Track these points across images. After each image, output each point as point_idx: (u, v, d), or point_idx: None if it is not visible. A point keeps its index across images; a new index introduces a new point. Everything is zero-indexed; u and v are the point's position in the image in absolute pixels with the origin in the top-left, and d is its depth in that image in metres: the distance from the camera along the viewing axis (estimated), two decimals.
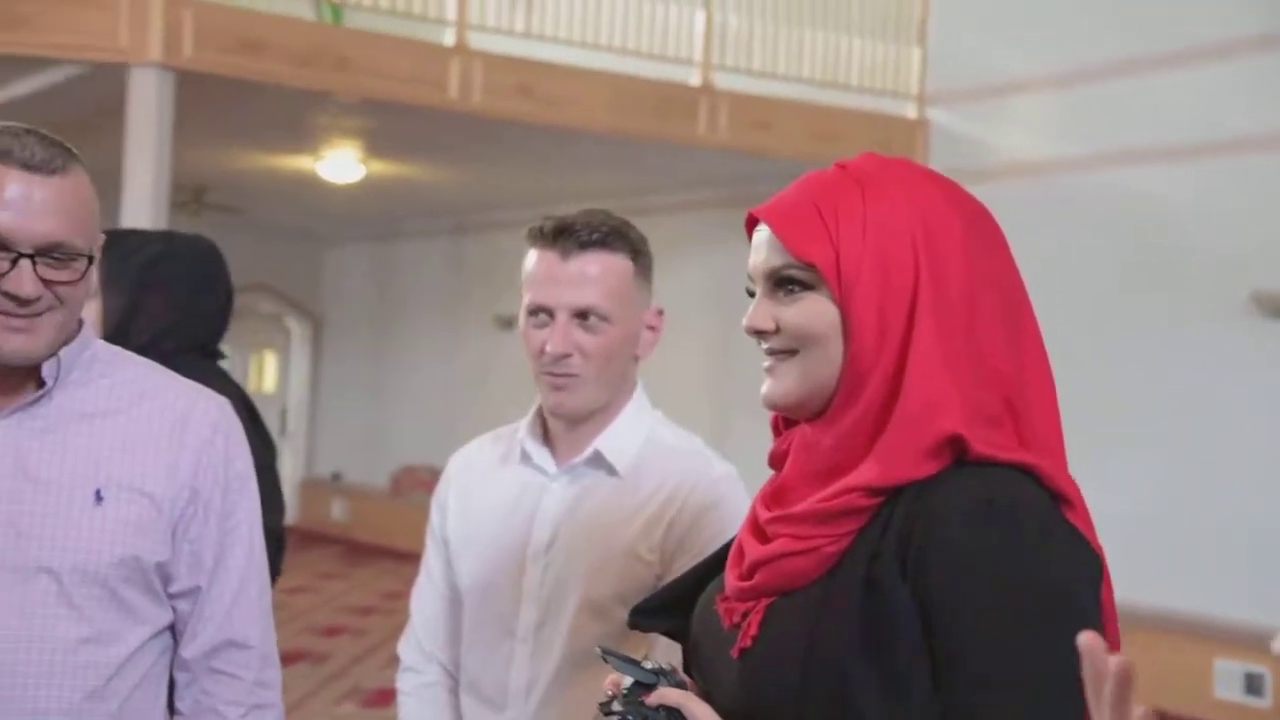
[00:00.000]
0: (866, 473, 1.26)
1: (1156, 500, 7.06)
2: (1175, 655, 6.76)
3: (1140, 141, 7.37)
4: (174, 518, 1.71)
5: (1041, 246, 7.30)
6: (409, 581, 2.37)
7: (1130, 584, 6.19)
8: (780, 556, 1.28)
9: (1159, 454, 7.12)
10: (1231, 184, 7.00)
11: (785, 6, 8.31)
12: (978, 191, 1.41)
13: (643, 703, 1.29)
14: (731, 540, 1.42)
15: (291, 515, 12.92)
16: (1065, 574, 1.22)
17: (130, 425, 1.71)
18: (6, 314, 1.59)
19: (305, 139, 8.64)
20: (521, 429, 2.09)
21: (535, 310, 1.98)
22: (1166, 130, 7.26)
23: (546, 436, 2.06)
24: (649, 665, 1.31)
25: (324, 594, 10.24)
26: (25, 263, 1.58)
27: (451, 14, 7.40)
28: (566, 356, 1.95)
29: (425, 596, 2.17)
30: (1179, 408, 7.09)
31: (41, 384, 1.67)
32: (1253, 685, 6.63)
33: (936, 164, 8.03)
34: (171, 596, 1.74)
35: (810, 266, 1.30)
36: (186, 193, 10.28)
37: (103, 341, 1.80)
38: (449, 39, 7.39)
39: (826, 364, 1.31)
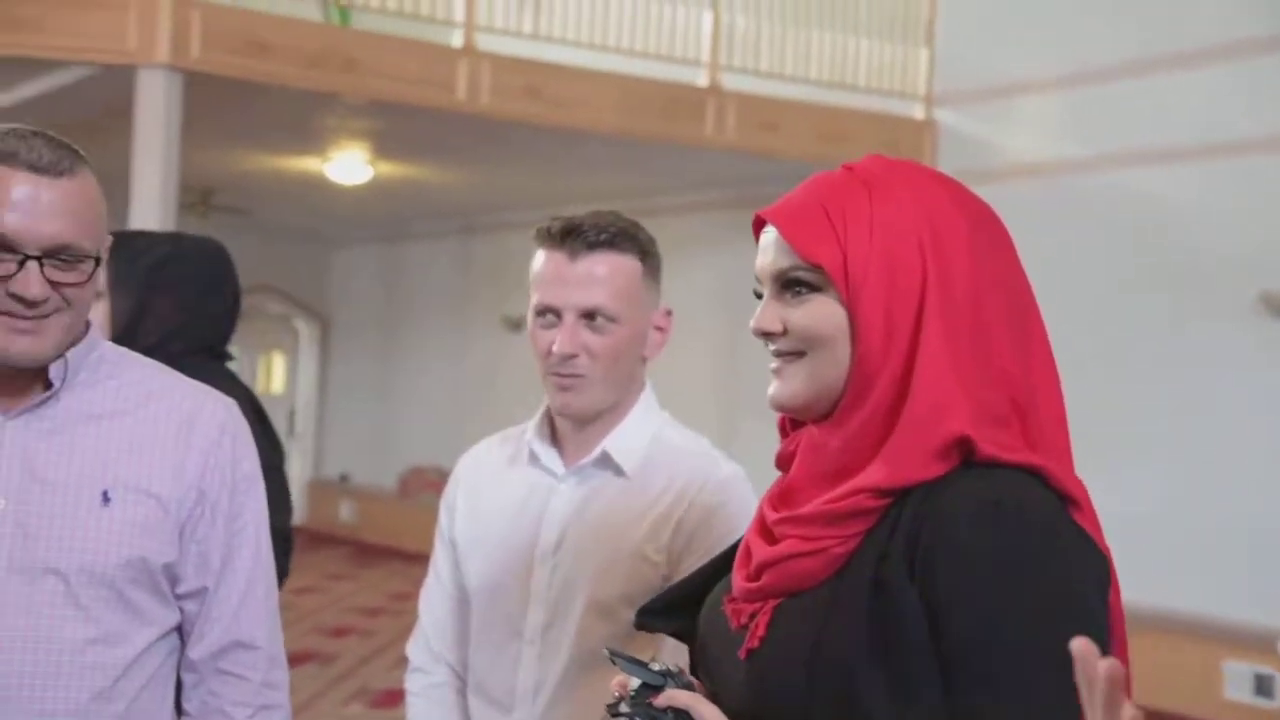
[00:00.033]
0: (874, 474, 1.26)
1: (1166, 501, 7.05)
2: (1184, 657, 6.75)
3: (1146, 143, 7.36)
4: (181, 519, 1.71)
5: (1048, 247, 7.30)
6: (417, 582, 2.37)
7: (1140, 585, 6.19)
8: (788, 558, 1.29)
9: (1166, 455, 7.11)
10: (1237, 185, 6.99)
11: (793, 7, 8.31)
12: (984, 192, 1.41)
13: (650, 704, 1.29)
14: (738, 541, 1.42)
15: (300, 516, 12.98)
16: (1073, 575, 1.22)
17: (137, 426, 1.71)
18: (13, 316, 1.59)
19: (313, 140, 8.65)
20: (529, 430, 2.09)
21: (543, 311, 1.98)
22: (1172, 131, 7.25)
23: (554, 437, 2.06)
24: (656, 667, 1.31)
25: (332, 595, 10.25)
26: (32, 265, 1.58)
27: (459, 15, 7.41)
28: (573, 357, 1.95)
29: (434, 597, 2.17)
30: (1185, 408, 7.08)
31: (49, 385, 1.67)
32: (1262, 686, 6.62)
33: (944, 165, 8.04)
34: (179, 597, 1.74)
35: (817, 268, 1.31)
36: (194, 194, 10.30)
37: (110, 343, 1.80)
38: (457, 40, 7.40)
39: (834, 365, 1.31)
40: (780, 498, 1.35)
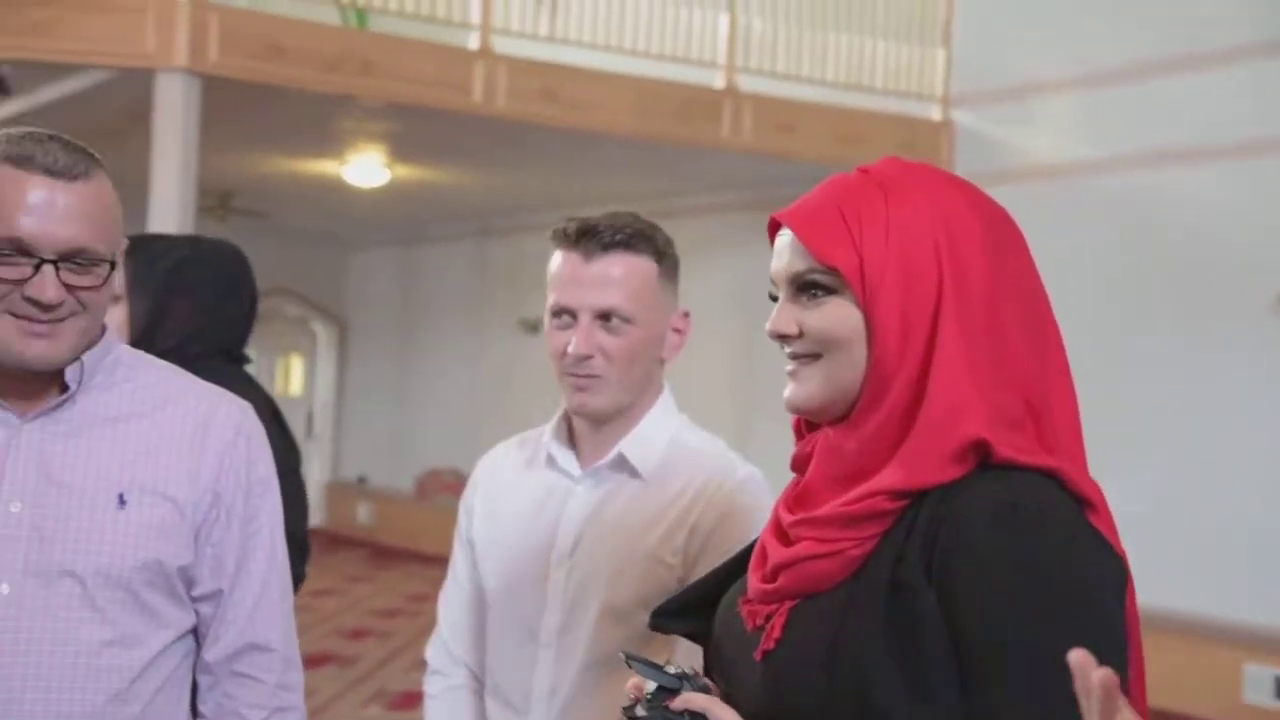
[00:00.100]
0: (890, 476, 1.26)
1: (1187, 504, 7.02)
2: (1204, 660, 6.73)
3: (1163, 143, 7.34)
4: (196, 521, 1.72)
5: (1064, 247, 7.29)
6: (434, 584, 2.37)
7: (1159, 588, 6.18)
8: (804, 559, 1.29)
9: (1186, 456, 7.09)
10: (1254, 186, 6.97)
11: (809, 9, 8.30)
12: (1001, 193, 1.41)
13: (667, 707, 1.29)
14: (753, 543, 1.42)
15: (317, 518, 13.01)
16: (1090, 578, 1.22)
17: (153, 429, 1.72)
18: (29, 319, 1.60)
19: (330, 143, 8.67)
20: (547, 432, 2.09)
21: (558, 311, 1.98)
22: (1189, 132, 7.22)
23: (572, 439, 2.06)
24: (672, 669, 1.31)
25: (350, 597, 10.27)
26: (48, 268, 1.58)
27: (476, 18, 7.41)
28: (588, 358, 1.95)
29: (452, 600, 2.17)
30: (1205, 409, 7.05)
31: (65, 388, 1.68)
32: None
33: (960, 166, 8.03)
34: (194, 600, 1.75)
35: (834, 271, 1.31)
36: (213, 197, 10.33)
37: (125, 346, 1.81)
38: (473, 43, 7.41)
39: (850, 368, 1.31)
40: (796, 500, 1.35)
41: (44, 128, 1.68)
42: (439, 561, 2.37)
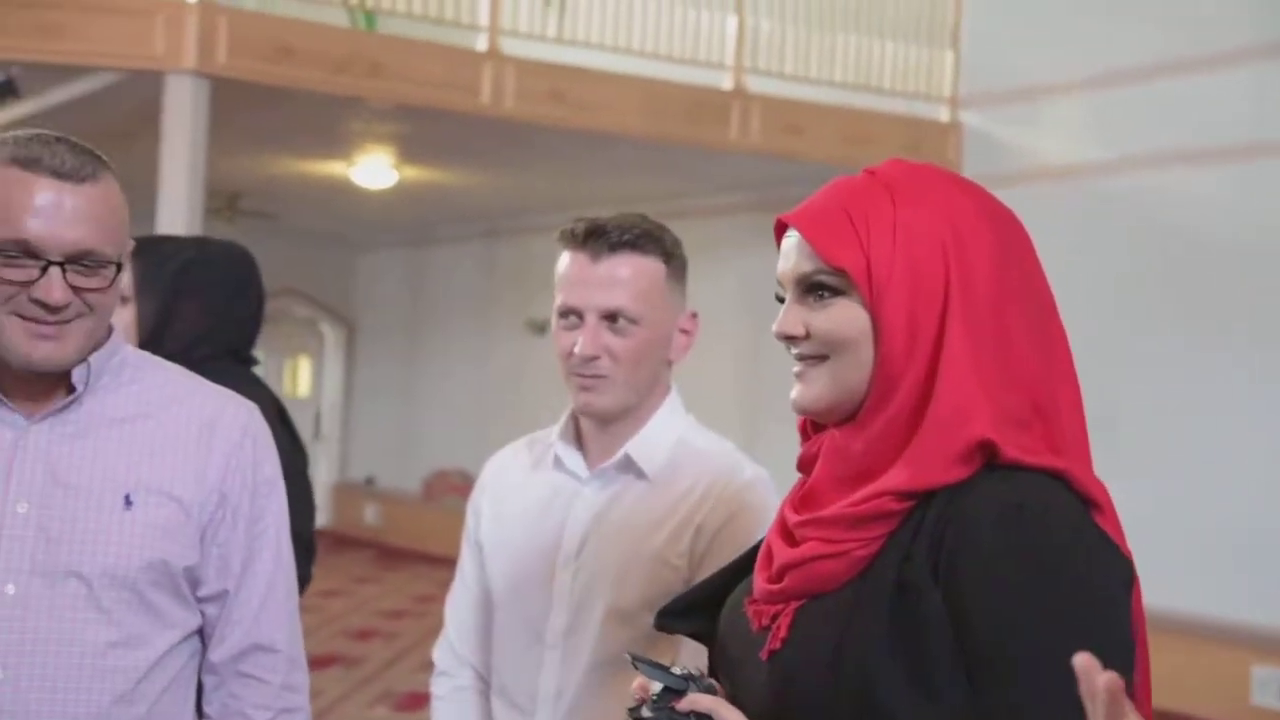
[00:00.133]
0: (897, 477, 1.26)
1: (1194, 504, 7.01)
2: (1212, 661, 6.71)
3: (1172, 145, 7.33)
4: (202, 522, 1.72)
5: (1073, 249, 7.28)
6: (441, 585, 2.38)
7: (1166, 589, 6.16)
8: (810, 560, 1.29)
9: (1192, 456, 7.07)
10: (1262, 187, 6.95)
11: (818, 10, 8.29)
12: (1009, 194, 1.41)
13: (672, 708, 1.29)
14: (759, 543, 1.42)
15: (325, 519, 13.03)
16: (1096, 579, 1.22)
17: (159, 430, 1.72)
18: (36, 321, 1.60)
19: (339, 145, 8.68)
20: (554, 433, 2.09)
21: (565, 312, 1.98)
22: (1198, 134, 7.21)
23: (579, 440, 2.06)
24: (678, 670, 1.31)
25: (357, 597, 10.28)
26: (55, 270, 1.58)
27: (484, 19, 7.42)
28: (595, 359, 1.95)
29: (459, 601, 2.17)
30: (1212, 409, 7.03)
31: (71, 390, 1.68)
32: None
33: (968, 167, 8.02)
34: (200, 600, 1.75)
35: (841, 272, 1.31)
36: (221, 199, 10.35)
37: (132, 347, 1.81)
38: (481, 44, 7.41)
39: (857, 369, 1.31)
40: (802, 500, 1.35)
41: (53, 129, 1.68)
42: (446, 563, 2.38)
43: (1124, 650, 1.21)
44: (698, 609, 1.46)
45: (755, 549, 1.43)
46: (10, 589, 1.63)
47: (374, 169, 9.37)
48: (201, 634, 1.77)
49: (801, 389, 1.35)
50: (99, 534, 1.65)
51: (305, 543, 2.54)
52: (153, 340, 2.54)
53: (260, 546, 1.78)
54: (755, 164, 8.31)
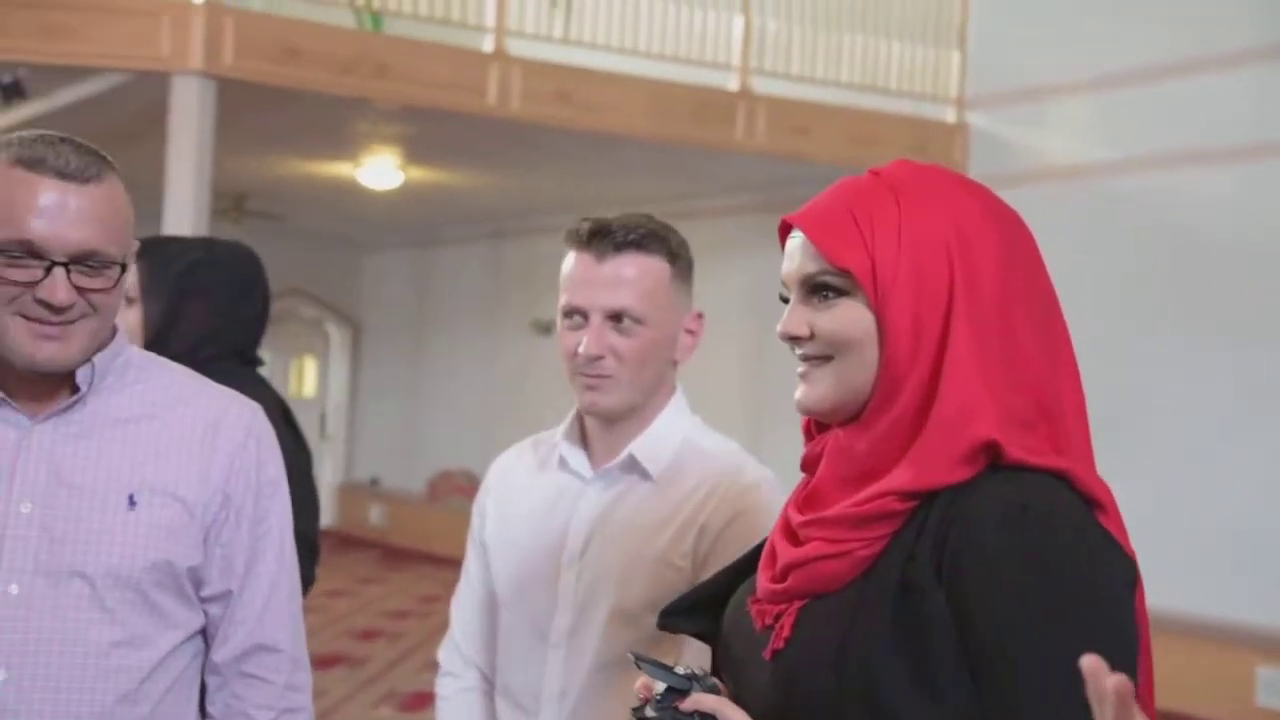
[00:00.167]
0: (901, 477, 1.27)
1: (1200, 505, 7.00)
2: (1217, 662, 6.70)
3: (1178, 145, 7.32)
4: (206, 522, 1.72)
5: (1079, 249, 7.27)
6: (445, 585, 2.38)
7: (1172, 590, 6.15)
8: (814, 559, 1.29)
9: (1198, 456, 7.06)
10: (1269, 187, 6.94)
11: (824, 10, 8.29)
12: (1016, 195, 1.41)
13: (676, 708, 1.29)
14: (762, 543, 1.42)
15: (330, 519, 13.02)
16: (1100, 579, 1.22)
17: (163, 430, 1.72)
18: (40, 321, 1.60)
19: (345, 146, 8.69)
20: (559, 433, 2.09)
21: (570, 312, 1.98)
22: (1204, 134, 7.21)
23: (584, 440, 2.06)
24: (681, 670, 1.31)
25: (362, 598, 10.29)
26: (59, 271, 1.59)
27: (490, 20, 7.43)
28: (599, 358, 1.94)
29: (464, 602, 2.17)
30: (1219, 409, 7.02)
31: (76, 390, 1.68)
32: None
33: (975, 168, 8.01)
34: (203, 601, 1.75)
35: (845, 273, 1.31)
36: (227, 200, 10.36)
37: (136, 348, 1.81)
38: (488, 45, 7.42)
39: (861, 369, 1.31)
40: (806, 500, 1.35)
41: (60, 130, 1.68)
42: (450, 563, 2.38)
43: (1128, 651, 1.21)
44: (701, 608, 1.46)
45: (759, 548, 1.43)
46: (14, 589, 1.63)
47: (380, 170, 9.38)
48: (205, 634, 1.78)
49: (806, 389, 1.35)
50: (103, 534, 1.65)
51: (309, 544, 2.54)
52: (158, 341, 2.54)
53: (264, 547, 1.78)
54: (761, 165, 8.31)
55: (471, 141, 8.23)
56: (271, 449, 1.80)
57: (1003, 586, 1.20)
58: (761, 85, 8.07)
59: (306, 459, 2.71)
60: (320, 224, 12.51)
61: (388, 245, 13.77)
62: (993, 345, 1.28)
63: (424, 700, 6.82)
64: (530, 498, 2.08)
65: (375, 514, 13.42)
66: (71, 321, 1.61)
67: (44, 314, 1.60)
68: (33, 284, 1.59)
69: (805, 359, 1.35)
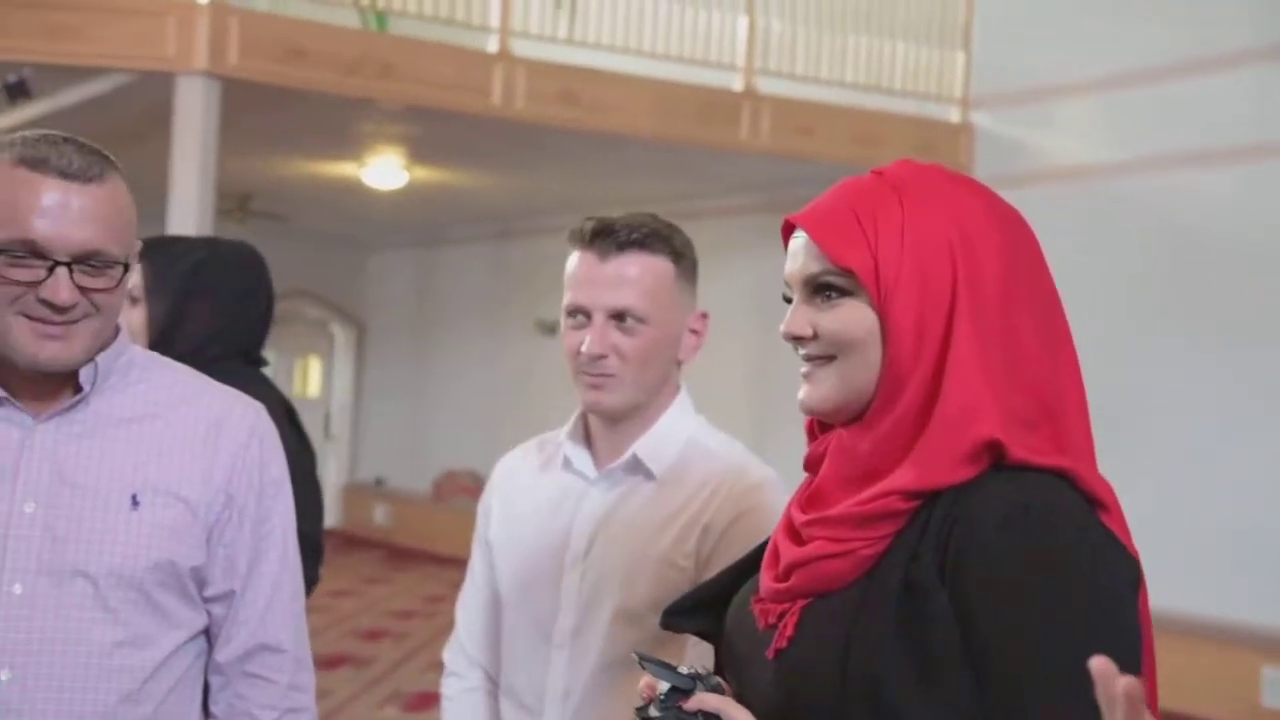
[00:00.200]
0: (904, 476, 1.27)
1: (1204, 506, 6.99)
2: (1222, 663, 6.70)
3: (1183, 146, 7.32)
4: (209, 522, 1.73)
5: (1084, 250, 7.27)
6: (450, 586, 2.38)
7: (1174, 591, 6.14)
8: (817, 559, 1.29)
9: (1204, 458, 7.06)
10: (1274, 189, 6.93)
11: (828, 11, 8.29)
12: (1021, 195, 1.41)
13: (680, 708, 1.29)
14: (765, 542, 1.42)
15: (335, 519, 13.03)
16: (1103, 578, 1.22)
17: (166, 430, 1.72)
18: (43, 321, 1.60)
19: (349, 146, 8.70)
20: (563, 433, 2.09)
21: (573, 311, 1.98)
22: (1211, 134, 7.20)
23: (588, 440, 2.06)
24: (685, 670, 1.31)
25: (366, 598, 10.29)
26: (62, 270, 1.59)
27: (495, 21, 7.43)
28: (602, 358, 1.94)
29: (470, 602, 2.18)
30: (1225, 409, 7.02)
31: (78, 390, 1.68)
32: None
33: (980, 168, 8.01)
34: (206, 600, 1.75)
35: (848, 272, 1.31)
36: (232, 200, 10.37)
37: (139, 348, 1.81)
38: (492, 46, 7.42)
39: (864, 369, 1.31)
40: (809, 500, 1.35)
41: (65, 131, 1.68)
42: (455, 563, 2.38)
43: (1131, 651, 1.21)
44: (704, 607, 1.46)
45: (762, 547, 1.43)
46: (17, 588, 1.63)
47: (385, 170, 9.39)
48: (208, 634, 1.78)
49: (809, 389, 1.35)
50: (106, 534, 1.65)
51: (313, 544, 2.54)
52: (163, 341, 2.54)
53: (267, 547, 1.78)
54: (766, 165, 8.31)
55: (476, 141, 8.23)
56: (274, 449, 1.80)
57: (1005, 586, 1.20)
58: (766, 85, 8.08)
59: (310, 459, 2.71)
60: (325, 224, 12.52)
61: (392, 245, 13.79)
62: (995, 345, 1.28)
63: (429, 700, 6.82)
64: (534, 498, 2.08)
65: (380, 514, 13.43)
66: (74, 321, 1.62)
67: (47, 314, 1.60)
68: (35, 284, 1.59)
69: (808, 359, 1.35)
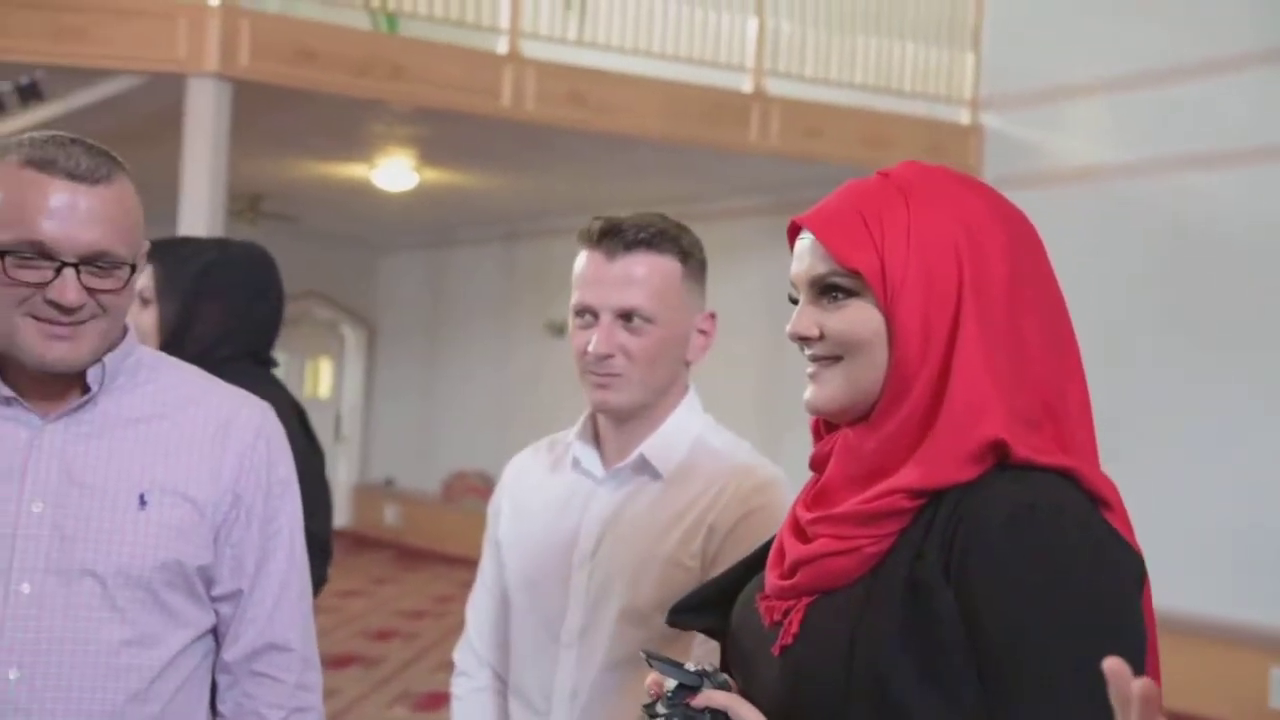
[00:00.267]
0: (909, 475, 1.27)
1: (1207, 506, 6.98)
2: (1231, 663, 6.68)
3: (1192, 147, 7.31)
4: (216, 522, 1.73)
5: (1093, 251, 7.26)
6: (460, 586, 2.39)
7: (1180, 591, 6.13)
8: (822, 556, 1.30)
9: (1208, 459, 7.04)
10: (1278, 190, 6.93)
11: (838, 12, 8.29)
12: (1031, 197, 1.41)
13: (688, 705, 1.30)
14: (770, 540, 1.43)
15: (345, 520, 13.04)
16: (1108, 577, 1.22)
17: (174, 430, 1.73)
18: (50, 322, 1.61)
19: (360, 147, 8.71)
20: (572, 433, 2.09)
21: (580, 310, 1.98)
22: (1221, 135, 7.19)
23: (597, 439, 2.06)
24: (692, 667, 1.32)
25: (376, 598, 10.31)
26: (69, 271, 1.59)
27: (504, 22, 7.44)
28: (609, 357, 1.95)
29: (479, 602, 2.18)
30: (1231, 409, 7.00)
31: (86, 390, 1.69)
32: None
33: (989, 169, 8.00)
34: (214, 600, 1.76)
35: (855, 273, 1.32)
36: (243, 201, 10.39)
37: (147, 348, 1.82)
38: (502, 47, 7.44)
39: (871, 370, 1.32)
40: (814, 498, 1.36)
41: (76, 132, 1.69)
42: (465, 563, 2.38)
43: (1136, 649, 1.22)
44: (710, 605, 1.47)
45: (767, 545, 1.43)
46: (25, 588, 1.64)
47: (395, 171, 9.40)
48: (215, 633, 1.78)
49: (815, 390, 1.36)
50: (114, 533, 1.66)
51: (321, 544, 2.54)
52: (174, 341, 2.55)
53: (274, 546, 1.78)
54: (775, 166, 8.31)
55: (486, 143, 8.24)
56: (282, 449, 1.81)
57: (1010, 585, 1.21)
58: (775, 87, 8.07)
59: (319, 460, 2.72)
60: (335, 225, 12.54)
61: (402, 247, 13.80)
62: (1001, 345, 1.28)
63: (438, 700, 6.84)
64: (543, 497, 2.09)
65: (390, 514, 13.44)
66: (82, 322, 1.62)
67: (54, 314, 1.60)
68: (43, 285, 1.59)
69: (815, 359, 1.36)
